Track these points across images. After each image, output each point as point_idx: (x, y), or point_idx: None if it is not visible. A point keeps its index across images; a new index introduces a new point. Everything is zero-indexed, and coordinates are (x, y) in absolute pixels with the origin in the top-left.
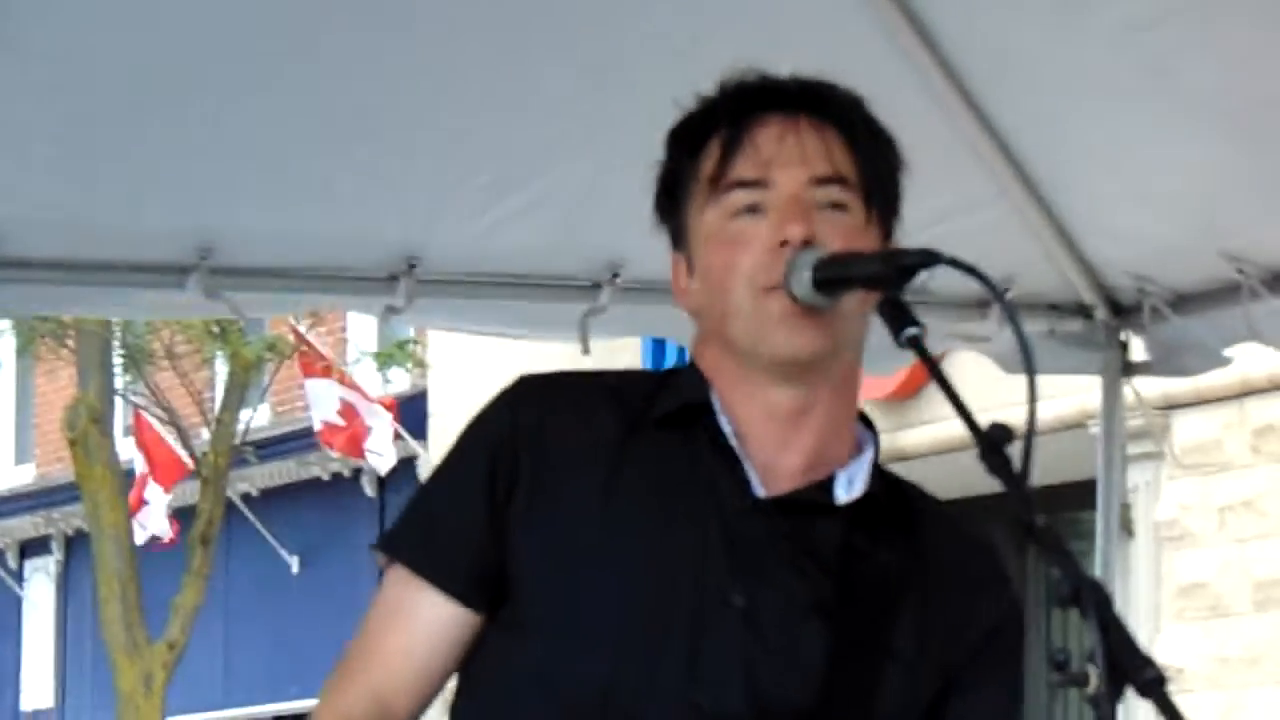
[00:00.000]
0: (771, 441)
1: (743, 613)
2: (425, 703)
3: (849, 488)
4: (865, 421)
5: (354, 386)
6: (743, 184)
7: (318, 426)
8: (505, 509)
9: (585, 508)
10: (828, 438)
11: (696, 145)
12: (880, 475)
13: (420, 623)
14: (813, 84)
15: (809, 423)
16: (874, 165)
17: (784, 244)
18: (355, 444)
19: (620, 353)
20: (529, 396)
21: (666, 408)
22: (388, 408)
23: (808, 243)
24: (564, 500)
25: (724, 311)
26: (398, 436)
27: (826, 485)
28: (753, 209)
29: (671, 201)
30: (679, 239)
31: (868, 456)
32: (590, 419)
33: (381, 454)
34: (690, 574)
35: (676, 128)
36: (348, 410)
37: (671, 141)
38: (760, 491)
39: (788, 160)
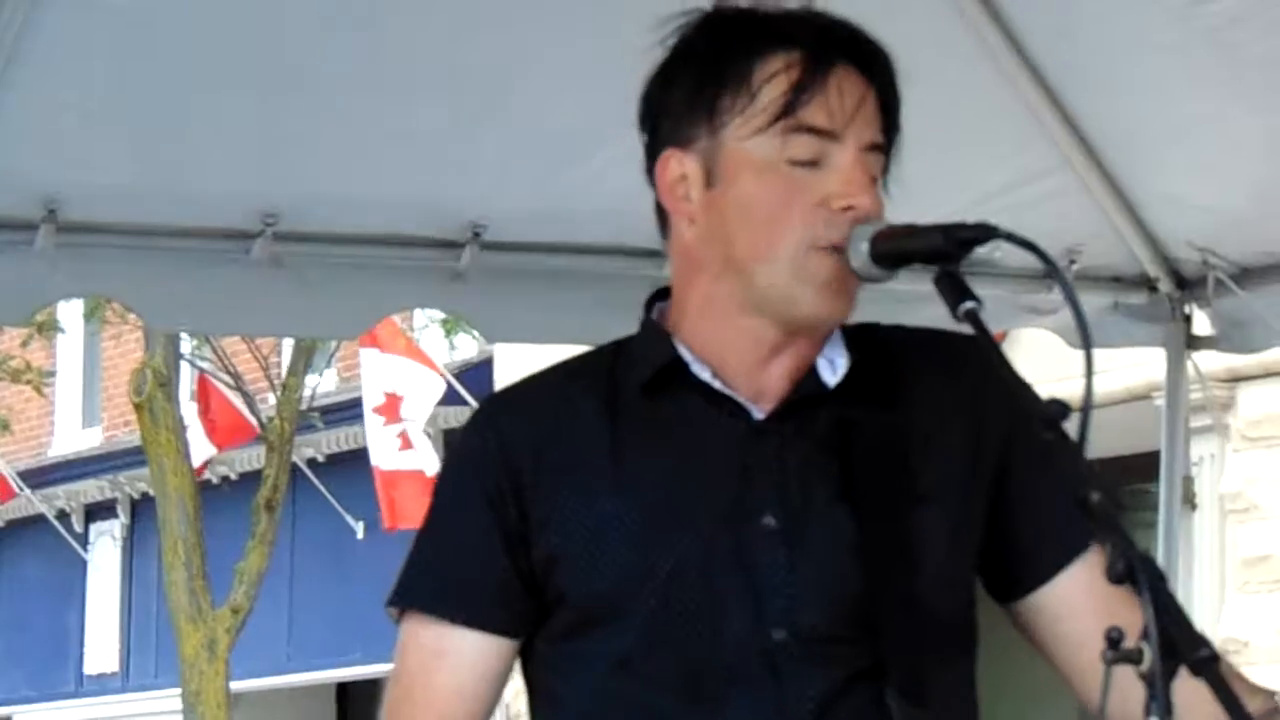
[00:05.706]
0: (754, 368)
1: (778, 532)
2: None
3: (833, 369)
4: None
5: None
6: (814, 131)
7: (375, 402)
8: (521, 525)
9: (599, 491)
10: (808, 348)
11: (748, 53)
12: (847, 337)
13: (464, 660)
14: (874, 44)
15: (793, 349)
16: (892, 138)
17: (847, 209)
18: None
19: None
20: (498, 411)
21: (641, 378)
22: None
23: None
24: (577, 491)
25: (755, 253)
26: (461, 401)
27: (813, 377)
28: (814, 160)
29: (695, 97)
30: (690, 139)
31: (836, 334)
32: (567, 407)
33: (414, 419)
34: (720, 516)
35: (721, 20)
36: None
37: (713, 33)
38: (758, 415)
39: (863, 122)
